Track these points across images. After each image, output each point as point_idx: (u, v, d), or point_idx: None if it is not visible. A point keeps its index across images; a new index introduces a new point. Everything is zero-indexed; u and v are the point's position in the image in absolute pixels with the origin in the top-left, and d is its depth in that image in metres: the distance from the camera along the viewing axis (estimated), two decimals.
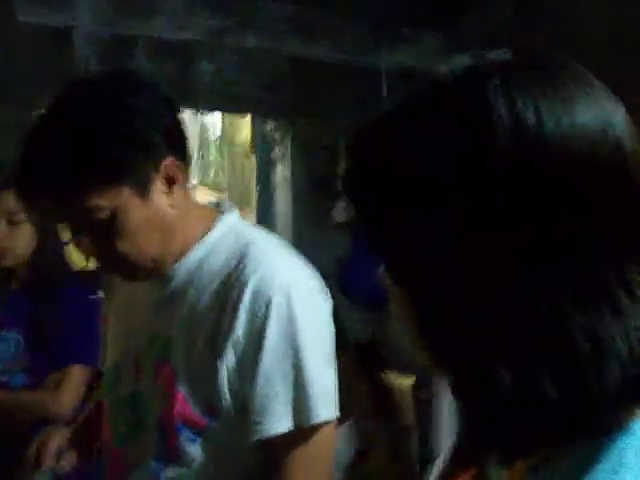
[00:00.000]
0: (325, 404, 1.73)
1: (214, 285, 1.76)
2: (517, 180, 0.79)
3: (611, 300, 0.79)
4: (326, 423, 1.73)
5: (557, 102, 0.82)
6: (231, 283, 1.73)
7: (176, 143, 1.73)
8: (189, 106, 6.18)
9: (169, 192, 1.72)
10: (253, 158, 7.06)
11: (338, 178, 6.19)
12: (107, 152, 1.63)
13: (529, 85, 0.83)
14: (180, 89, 5.39)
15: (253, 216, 7.19)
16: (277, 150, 6.29)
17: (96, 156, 1.63)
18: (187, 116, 7.92)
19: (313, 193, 6.21)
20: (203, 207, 1.90)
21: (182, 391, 1.74)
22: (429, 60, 6.52)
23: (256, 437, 1.70)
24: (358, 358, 4.81)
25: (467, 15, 6.31)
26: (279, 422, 1.69)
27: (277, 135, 6.24)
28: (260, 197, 6.74)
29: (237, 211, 1.91)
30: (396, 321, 0.96)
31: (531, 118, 0.81)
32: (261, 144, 6.77)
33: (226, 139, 7.90)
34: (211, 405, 1.72)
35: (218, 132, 7.92)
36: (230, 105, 5.77)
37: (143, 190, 1.67)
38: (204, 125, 8.07)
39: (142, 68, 5.23)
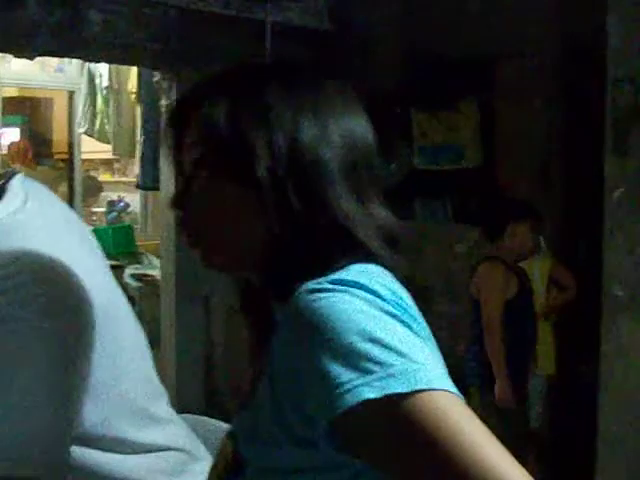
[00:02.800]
0: None
1: None
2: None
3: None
4: None
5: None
6: None
7: None
8: (78, 56, 6.26)
9: None
10: (139, 108, 7.11)
11: None
12: None
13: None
14: (69, 38, 5.46)
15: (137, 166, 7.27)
16: (163, 100, 6.38)
17: None
18: (76, 67, 7.96)
19: None
20: None
21: None
22: (312, 18, 6.70)
23: None
24: None
25: None
26: None
27: (163, 85, 6.33)
28: (144, 146, 6.82)
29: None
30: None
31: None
32: (147, 94, 6.85)
33: (113, 89, 7.90)
34: None
35: (105, 82, 7.92)
36: (118, 55, 5.84)
37: None
38: (92, 75, 8.05)
39: (32, 15, 5.30)
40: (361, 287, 1.15)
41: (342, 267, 1.22)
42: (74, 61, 7.94)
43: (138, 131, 7.14)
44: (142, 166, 6.94)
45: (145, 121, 6.91)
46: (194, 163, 1.34)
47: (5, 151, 9.14)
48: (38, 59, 6.00)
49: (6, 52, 5.41)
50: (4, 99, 8.76)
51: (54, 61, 8.18)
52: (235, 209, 1.30)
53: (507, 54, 5.37)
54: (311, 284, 1.17)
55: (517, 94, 5.41)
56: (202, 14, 6.12)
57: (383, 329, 1.10)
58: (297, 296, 1.16)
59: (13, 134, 9.14)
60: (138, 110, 7.15)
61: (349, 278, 1.17)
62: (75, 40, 5.50)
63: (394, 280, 1.26)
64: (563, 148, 5.40)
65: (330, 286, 1.15)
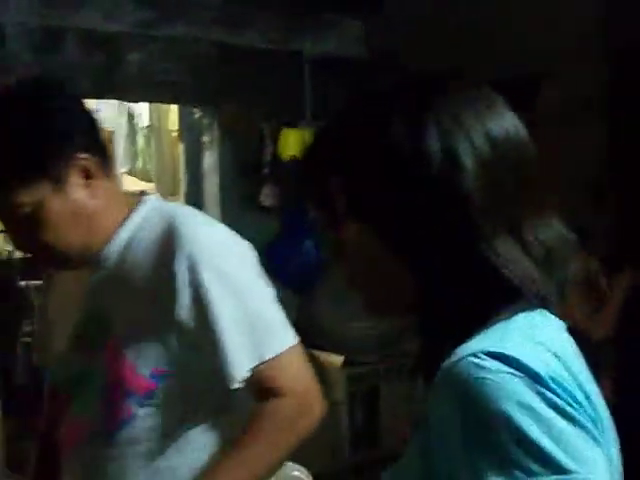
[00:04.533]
0: (282, 335, 1.98)
1: (148, 260, 1.94)
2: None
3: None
4: (288, 349, 1.97)
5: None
6: (163, 255, 1.91)
7: (90, 140, 1.94)
8: (117, 97, 6.28)
9: (87, 185, 1.91)
10: (181, 146, 7.11)
11: (265, 163, 6.33)
12: (25, 152, 1.84)
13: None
14: (108, 80, 5.49)
15: (182, 204, 7.26)
16: (205, 137, 6.38)
17: (16, 156, 1.83)
18: (114, 106, 7.97)
19: (241, 178, 6.32)
20: (126, 194, 2.09)
21: (129, 360, 1.92)
22: (349, 47, 6.68)
23: (231, 383, 1.90)
24: None
25: (387, 2, 6.44)
26: (243, 364, 1.90)
27: (204, 122, 6.33)
28: (189, 185, 6.83)
29: (158, 194, 2.13)
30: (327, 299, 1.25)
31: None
32: (189, 131, 6.85)
33: (154, 127, 7.91)
34: (160, 367, 1.91)
35: (146, 121, 7.93)
36: (158, 94, 5.85)
37: (61, 185, 1.86)
38: (131, 114, 8.07)
39: (71, 59, 5.32)
40: (522, 368, 1.06)
41: (504, 318, 1.16)
42: (111, 100, 7.97)
43: (181, 169, 7.14)
44: (186, 204, 6.94)
45: (187, 159, 6.91)
46: (344, 210, 1.23)
47: None
48: None
49: None
50: None
51: (92, 101, 8.21)
52: (387, 257, 1.21)
53: (551, 71, 5.31)
54: (471, 358, 1.08)
55: (562, 111, 5.36)
56: (240, 49, 6.12)
57: (540, 428, 1.02)
58: (456, 365, 1.08)
59: None
60: (180, 148, 7.15)
61: (511, 354, 1.07)
62: (113, 81, 5.52)
63: (561, 334, 1.20)
64: (612, 165, 5.33)
65: (491, 364, 1.06)
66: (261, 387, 1.95)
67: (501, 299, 1.17)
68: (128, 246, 1.98)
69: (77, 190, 1.90)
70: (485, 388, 1.03)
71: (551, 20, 5.39)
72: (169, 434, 1.95)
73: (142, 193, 2.11)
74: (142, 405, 1.92)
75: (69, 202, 1.88)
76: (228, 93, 6.08)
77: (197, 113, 6.40)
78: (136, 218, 2.01)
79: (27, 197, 1.83)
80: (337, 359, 5.57)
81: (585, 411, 1.07)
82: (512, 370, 1.05)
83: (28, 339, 5.66)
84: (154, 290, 1.92)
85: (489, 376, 1.04)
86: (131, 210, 2.02)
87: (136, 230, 1.99)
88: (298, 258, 5.40)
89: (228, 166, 6.33)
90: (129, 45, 5.61)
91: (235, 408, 2.02)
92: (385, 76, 6.61)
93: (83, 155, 1.89)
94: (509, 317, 1.15)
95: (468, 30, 5.81)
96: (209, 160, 6.40)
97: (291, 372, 1.98)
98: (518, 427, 1.01)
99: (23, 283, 5.86)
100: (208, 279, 1.89)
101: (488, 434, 1.02)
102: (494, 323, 1.15)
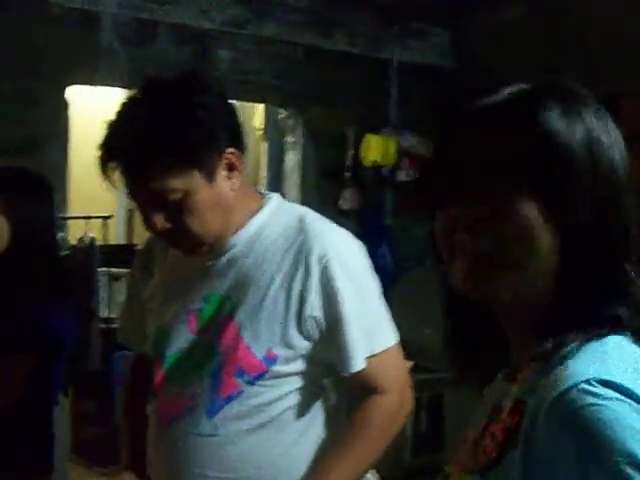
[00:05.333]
0: (390, 331, 2.15)
1: (277, 251, 2.10)
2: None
3: None
4: (393, 345, 2.14)
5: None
6: (296, 250, 2.08)
7: (235, 135, 2.07)
8: None
9: (230, 177, 2.04)
10: (265, 144, 7.18)
11: (346, 167, 6.37)
12: (183, 141, 1.95)
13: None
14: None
15: None
16: (289, 138, 6.44)
17: (174, 144, 1.95)
18: None
19: (322, 181, 6.38)
20: (252, 189, 2.24)
21: (245, 341, 2.06)
22: (436, 55, 6.70)
23: (346, 373, 2.08)
24: None
25: (475, 12, 6.45)
26: (361, 358, 2.07)
27: (289, 123, 6.39)
28: (270, 183, 6.88)
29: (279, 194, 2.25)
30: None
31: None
32: (273, 131, 6.92)
33: None
34: (274, 352, 2.05)
35: None
36: (246, 92, 5.91)
37: (210, 175, 2.00)
38: None
39: (163, 52, 5.42)
40: (629, 394, 1.06)
41: (601, 336, 1.16)
42: None
43: (263, 168, 7.21)
44: None
45: (270, 158, 6.97)
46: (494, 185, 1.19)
47: None
48: None
49: (135, 89, 5.50)
50: None
51: None
52: (539, 242, 1.19)
53: (631, 90, 5.27)
54: (584, 385, 1.08)
55: None
56: (328, 52, 6.18)
57: None
58: (568, 393, 1.07)
59: None
60: (263, 147, 7.22)
61: (620, 382, 1.07)
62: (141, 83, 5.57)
63: None
64: None
65: (603, 391, 1.06)
66: (366, 381, 2.11)
67: (611, 317, 1.17)
68: (256, 237, 2.12)
69: (222, 182, 2.02)
70: (599, 415, 1.04)
71: (632, 37, 5.35)
72: (271, 413, 2.10)
73: (257, 190, 2.27)
74: (251, 384, 2.07)
75: (215, 192, 2.01)
76: (314, 95, 6.13)
77: (282, 113, 6.46)
78: (265, 211, 2.15)
79: (179, 184, 1.95)
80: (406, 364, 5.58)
81: None
82: (621, 397, 1.06)
83: (103, 325, 5.75)
84: (283, 280, 2.07)
85: (607, 403, 1.05)
86: (258, 204, 2.16)
87: (264, 224, 2.14)
88: (374, 262, 5.43)
89: (310, 168, 6.39)
90: (219, 42, 5.69)
91: (332, 396, 2.19)
92: (470, 86, 6.59)
93: (230, 150, 2.02)
94: (601, 338, 1.16)
95: (547, 45, 5.80)
96: (291, 161, 6.46)
97: (394, 369, 2.16)
98: (632, 452, 1.02)
99: (100, 269, 5.96)
100: (338, 275, 2.04)
101: (606, 459, 1.03)
102: (587, 341, 1.15)
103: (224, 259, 2.13)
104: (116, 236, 7.77)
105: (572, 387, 1.07)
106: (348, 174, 6.39)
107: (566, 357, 1.13)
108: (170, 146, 1.94)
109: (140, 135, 1.94)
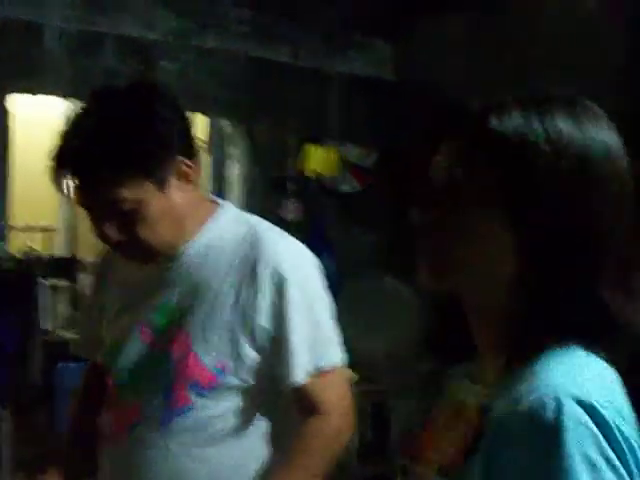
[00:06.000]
0: (338, 351, 2.12)
1: (228, 261, 2.07)
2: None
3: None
4: (340, 366, 2.11)
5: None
6: (247, 260, 2.05)
7: (188, 144, 2.05)
8: None
9: (182, 187, 2.02)
10: (208, 156, 7.16)
11: (288, 177, 6.40)
12: (135, 150, 1.94)
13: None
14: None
15: None
16: (231, 149, 6.44)
17: (126, 153, 1.93)
18: None
19: (265, 191, 6.39)
20: (204, 198, 2.19)
21: (196, 353, 2.04)
22: (378, 68, 6.77)
23: (287, 385, 2.05)
24: None
25: (418, 24, 6.51)
26: (302, 371, 2.04)
27: (232, 134, 6.40)
28: (213, 194, 6.84)
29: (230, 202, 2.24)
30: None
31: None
32: (216, 142, 6.91)
33: None
34: (226, 363, 2.03)
35: None
36: (189, 104, 5.90)
37: (162, 185, 1.97)
38: None
39: (108, 64, 5.42)
40: (598, 419, 1.06)
41: (566, 345, 1.15)
42: None
43: (206, 178, 7.18)
44: None
45: (213, 169, 6.96)
46: (450, 187, 1.22)
47: None
48: None
49: (78, 99, 5.49)
50: None
51: None
52: (490, 243, 1.19)
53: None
54: (564, 399, 1.07)
55: None
56: (271, 64, 6.21)
57: None
58: (540, 405, 1.07)
59: None
60: (206, 158, 7.20)
61: (591, 401, 1.07)
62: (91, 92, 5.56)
63: (614, 383, 1.17)
64: None
65: (574, 411, 1.06)
66: (309, 400, 2.08)
67: (576, 325, 1.16)
68: (209, 247, 2.09)
69: (174, 191, 2.00)
70: (567, 435, 1.05)
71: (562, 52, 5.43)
72: (220, 426, 2.08)
73: (210, 198, 2.24)
74: (202, 396, 2.04)
75: (166, 202, 1.99)
76: (257, 107, 6.16)
77: (225, 125, 6.47)
78: (218, 221, 2.13)
79: (130, 194, 1.93)
80: (350, 375, 5.60)
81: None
82: (589, 421, 1.06)
83: (45, 337, 5.70)
84: (234, 291, 2.04)
85: (571, 424, 1.05)
86: (210, 213, 2.14)
87: (216, 234, 2.11)
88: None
89: (253, 179, 6.40)
90: (164, 53, 5.70)
91: (278, 411, 2.15)
92: (409, 97, 6.70)
93: (182, 159, 2.00)
94: (566, 348, 1.14)
95: (497, 55, 5.88)
96: (234, 172, 6.46)
97: (337, 390, 2.12)
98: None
99: (42, 281, 5.90)
100: (289, 288, 2.03)
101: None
102: (553, 350, 1.14)
103: (176, 268, 2.11)
104: (58, 248, 7.71)
105: (544, 398, 1.07)
106: (291, 185, 6.43)
107: (532, 367, 1.12)
108: (120, 156, 1.92)
109: (90, 145, 1.93)
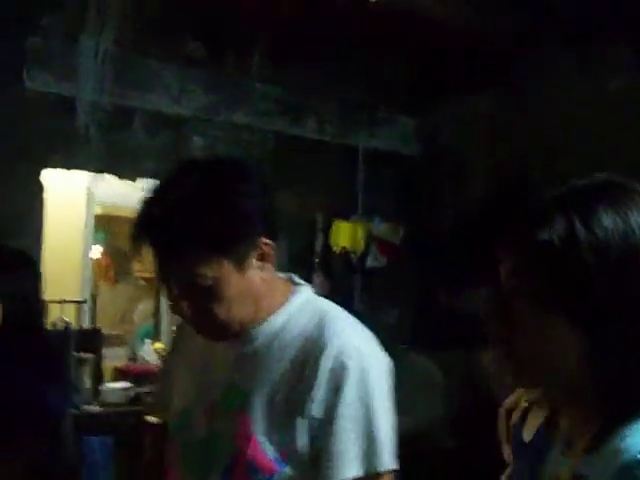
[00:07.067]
0: (390, 455, 1.98)
1: (294, 348, 2.01)
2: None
3: None
4: (389, 472, 1.98)
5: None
6: (310, 347, 1.99)
7: (270, 225, 1.99)
8: None
9: (261, 267, 1.97)
10: None
11: (315, 253, 6.41)
12: (216, 229, 1.90)
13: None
14: (173, 161, 5.60)
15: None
16: None
17: (207, 231, 1.89)
18: None
19: (291, 267, 6.37)
20: (282, 279, 2.14)
21: (258, 438, 1.97)
22: (403, 143, 6.81)
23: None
24: None
25: (441, 100, 6.57)
26: (350, 469, 1.93)
27: None
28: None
29: (309, 285, 2.18)
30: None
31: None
32: None
33: None
34: (285, 453, 1.96)
35: None
36: None
37: (241, 264, 1.93)
38: None
39: (138, 138, 5.46)
40: None
41: None
42: None
43: None
44: None
45: None
46: (515, 290, 1.30)
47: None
48: None
49: (111, 173, 5.53)
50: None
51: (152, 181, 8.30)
52: (559, 344, 1.27)
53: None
54: None
55: None
56: (298, 139, 6.27)
57: None
58: (629, 465, 1.15)
59: (96, 251, 9.25)
60: None
61: None
62: (177, 163, 5.61)
63: None
64: None
65: None
66: None
67: None
68: (281, 331, 2.04)
69: (253, 271, 1.96)
70: None
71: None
72: None
73: (289, 278, 2.17)
74: None
75: (244, 282, 1.95)
76: (284, 182, 6.18)
77: None
78: (291, 305, 2.07)
79: (209, 271, 1.89)
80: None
81: None
82: None
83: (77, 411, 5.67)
84: (296, 379, 1.98)
85: None
86: (287, 294, 2.09)
87: (289, 317, 2.05)
88: None
89: (279, 254, 6.38)
90: (193, 128, 5.75)
91: None
92: (435, 172, 6.74)
93: (264, 240, 1.95)
94: None
95: (524, 134, 5.90)
96: None
97: None
98: None
99: (78, 354, 5.87)
100: (348, 383, 1.94)
101: None
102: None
103: (246, 351, 2.07)
104: (82, 320, 7.70)
105: (634, 459, 1.14)
106: (317, 260, 6.42)
107: (624, 434, 1.19)
108: (201, 233, 1.90)
109: (173, 220, 1.90)
